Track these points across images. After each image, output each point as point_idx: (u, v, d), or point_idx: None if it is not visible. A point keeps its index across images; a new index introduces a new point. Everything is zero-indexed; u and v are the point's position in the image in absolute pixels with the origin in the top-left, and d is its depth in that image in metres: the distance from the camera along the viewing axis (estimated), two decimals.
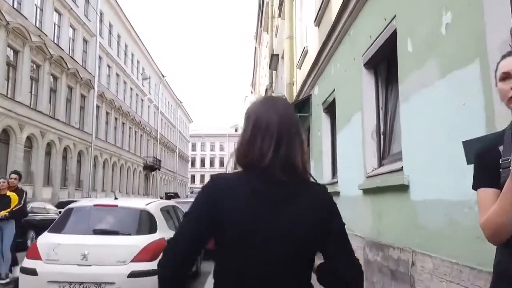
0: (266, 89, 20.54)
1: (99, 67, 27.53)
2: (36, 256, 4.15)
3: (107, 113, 29.38)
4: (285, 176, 1.10)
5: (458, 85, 2.65)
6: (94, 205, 4.66)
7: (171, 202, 6.41)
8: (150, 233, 4.52)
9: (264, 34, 25.15)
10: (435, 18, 2.92)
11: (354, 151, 5.08)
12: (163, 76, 45.86)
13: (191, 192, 16.45)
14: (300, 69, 9.66)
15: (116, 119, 31.23)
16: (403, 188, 3.45)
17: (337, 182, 6.01)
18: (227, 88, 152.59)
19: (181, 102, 57.56)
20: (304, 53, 8.84)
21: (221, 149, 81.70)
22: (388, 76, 4.66)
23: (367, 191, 4.56)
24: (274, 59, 16.08)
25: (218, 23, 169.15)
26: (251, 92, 45.91)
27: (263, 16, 22.46)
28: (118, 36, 31.28)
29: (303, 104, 8.73)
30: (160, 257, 1.11)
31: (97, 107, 26.95)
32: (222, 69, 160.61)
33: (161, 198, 26.56)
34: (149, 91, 41.26)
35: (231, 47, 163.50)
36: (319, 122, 7.42)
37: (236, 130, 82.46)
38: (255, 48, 33.01)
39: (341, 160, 5.87)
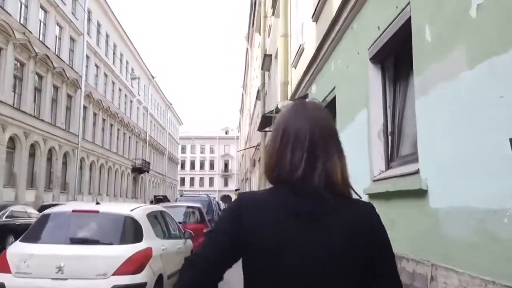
0: (258, 90, 20.19)
1: (86, 66, 26.87)
2: (4, 268, 3.68)
3: (95, 114, 28.68)
4: (322, 191, 0.99)
5: (493, 75, 2.29)
6: (72, 211, 4.20)
7: (159, 207, 5.96)
8: (135, 242, 4.08)
9: (256, 35, 24.82)
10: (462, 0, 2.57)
11: (358, 153, 4.71)
12: (152, 77, 45.23)
13: (181, 195, 15.90)
14: (295, 68, 9.30)
15: (104, 120, 30.53)
16: (421, 193, 3.07)
17: None
18: (218, 90, 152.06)
19: (171, 104, 56.92)
20: (300, 51, 8.48)
21: (212, 151, 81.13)
22: (396, 73, 4.32)
23: (374, 197, 4.19)
24: (267, 59, 15.73)
25: (209, 24, 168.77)
26: (242, 94, 45.56)
27: (255, 16, 22.13)
28: (107, 36, 30.63)
29: None
30: (174, 282, 0.83)
31: (84, 107, 26.27)
32: (213, 71, 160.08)
33: (151, 202, 25.99)
34: (138, 92, 40.60)
35: (222, 48, 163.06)
36: None
37: (226, 133, 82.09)
38: (247, 49, 32.68)
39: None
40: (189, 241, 6.30)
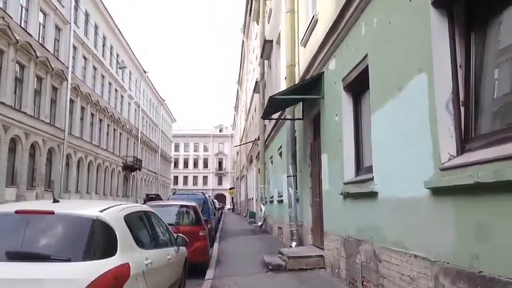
0: (256, 82, 18.96)
1: (73, 57, 25.42)
2: None
3: (83, 108, 27.23)
4: None
5: None
6: (15, 212, 2.94)
7: (143, 206, 4.70)
8: (105, 256, 2.85)
9: (252, 25, 23.60)
10: None
11: (411, 134, 3.52)
12: (144, 72, 43.75)
13: (174, 193, 14.57)
14: (305, 46, 8.10)
15: (92, 115, 29.08)
16: None
17: (372, 179, 4.44)
18: (212, 88, 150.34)
19: (163, 100, 55.45)
20: (312, 24, 7.28)
21: (205, 149, 79.76)
22: (469, 20, 3.13)
23: (443, 191, 3.00)
24: (267, 46, 14.51)
25: (203, 19, 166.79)
26: (238, 90, 44.31)
27: (253, 4, 20.88)
28: (96, 26, 29.16)
29: (311, 85, 7.17)
30: None
31: (71, 101, 24.83)
32: (207, 68, 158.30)
33: (144, 201, 24.68)
34: (130, 87, 39.13)
35: (216, 45, 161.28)
36: (337, 104, 5.85)
37: (220, 131, 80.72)
38: (242, 41, 31.40)
39: (380, 149, 4.31)
40: (183, 249, 5.08)
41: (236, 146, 25.61)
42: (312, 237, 8.05)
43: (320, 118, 6.94)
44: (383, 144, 4.22)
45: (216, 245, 11.61)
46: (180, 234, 4.99)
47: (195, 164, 79.18)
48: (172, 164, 72.06)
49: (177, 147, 77.46)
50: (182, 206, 7.65)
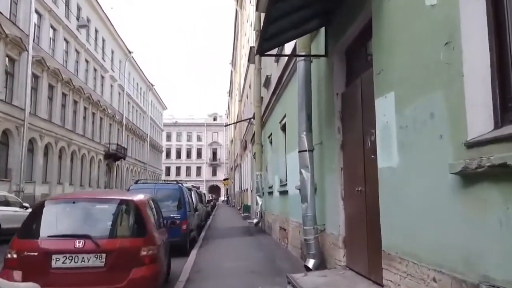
0: (251, 48, 15.47)
1: (38, 26, 21.76)
2: None
3: (51, 87, 23.57)
4: None
5: None
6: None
7: None
8: None
9: None
10: None
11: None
12: (129, 52, 39.95)
13: (136, 183, 10.19)
14: None
15: (65, 95, 25.43)
16: None
17: None
18: (205, 75, 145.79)
19: (152, 85, 51.68)
20: None
21: (199, 139, 76.20)
22: None
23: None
24: None
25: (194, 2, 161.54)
26: (231, 72, 40.76)
27: None
28: None
29: None
30: None
31: (35, 76, 21.21)
32: (200, 55, 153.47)
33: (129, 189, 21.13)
34: (112, 67, 35.40)
35: (209, 25, 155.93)
36: None
37: (214, 119, 77.04)
38: (236, 12, 27.80)
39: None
40: None
41: (228, 125, 22.17)
42: (347, 255, 4.65)
43: (376, 22, 3.49)
44: None
45: (193, 253, 8.23)
46: None
47: (188, 154, 75.70)
48: (164, 154, 68.64)
49: (169, 137, 74.00)
50: (110, 203, 4.18)
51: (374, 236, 3.59)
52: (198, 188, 22.00)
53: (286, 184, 8.59)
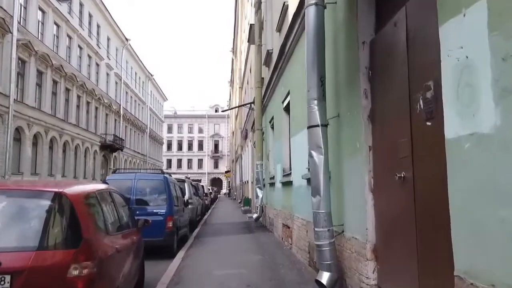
0: (251, 26, 14.00)
1: (24, 7, 20.35)
2: None
3: (40, 72, 22.21)
4: None
5: None
6: None
7: None
8: None
9: None
10: None
11: None
12: (126, 39, 38.45)
13: (114, 172, 8.48)
14: None
15: (56, 82, 24.06)
16: None
17: None
18: (207, 65, 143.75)
19: (151, 75, 50.21)
20: None
21: (200, 131, 74.80)
22: None
23: None
24: None
25: None
26: (232, 60, 39.23)
27: None
28: None
29: None
30: None
31: (20, 60, 19.84)
32: (201, 44, 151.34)
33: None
34: (108, 55, 33.98)
35: (209, 13, 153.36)
36: None
37: (216, 111, 75.46)
38: None
39: None
40: None
41: (225, 110, 20.81)
42: (379, 271, 3.27)
43: None
44: None
45: (180, 256, 6.89)
46: None
47: (190, 147, 74.43)
48: (165, 147, 67.44)
49: (170, 129, 72.76)
50: (28, 197, 2.78)
51: (432, 248, 2.23)
52: (200, 180, 20.72)
53: (290, 174, 7.23)
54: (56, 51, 24.04)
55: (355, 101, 3.57)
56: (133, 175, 7.51)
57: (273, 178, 9.73)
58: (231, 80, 44.82)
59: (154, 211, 7.14)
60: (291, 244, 7.00)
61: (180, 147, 74.11)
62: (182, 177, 13.20)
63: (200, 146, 74.12)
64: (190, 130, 74.87)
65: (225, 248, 7.78)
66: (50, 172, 23.52)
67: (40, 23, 22.40)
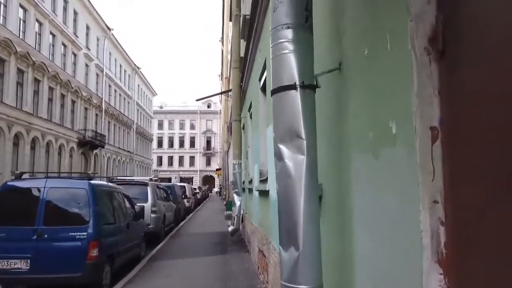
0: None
1: None
2: None
3: (2, 61, 19.84)
4: None
5: None
6: None
7: None
8: None
9: None
10: None
11: None
12: (109, 29, 35.98)
13: (16, 178, 6.17)
14: None
15: (22, 72, 21.69)
16: None
17: None
18: (199, 59, 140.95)
19: (139, 68, 47.75)
20: None
21: (192, 127, 72.34)
22: None
23: None
24: None
25: None
26: (222, 51, 36.99)
27: None
28: None
29: None
30: None
31: None
32: (192, 35, 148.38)
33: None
34: (88, 45, 31.55)
35: (198, 6, 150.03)
36: None
37: (208, 106, 73.00)
38: None
39: None
40: None
41: (199, 99, 18.57)
42: None
43: None
44: None
45: None
46: None
47: (181, 143, 72.02)
48: (155, 143, 64.96)
49: (160, 125, 70.33)
50: None
51: None
52: (191, 178, 18.43)
53: (266, 180, 5.02)
54: (22, 37, 21.65)
55: (393, 17, 1.35)
56: (43, 182, 5.22)
57: (251, 182, 7.53)
58: (221, 73, 42.61)
59: (71, 234, 4.91)
60: (267, 282, 4.81)
61: (171, 144, 71.70)
62: (176, 175, 10.96)
63: (192, 143, 71.76)
64: (182, 126, 72.47)
65: (179, 284, 5.56)
66: (16, 170, 21.18)
67: (1, 4, 20.00)
